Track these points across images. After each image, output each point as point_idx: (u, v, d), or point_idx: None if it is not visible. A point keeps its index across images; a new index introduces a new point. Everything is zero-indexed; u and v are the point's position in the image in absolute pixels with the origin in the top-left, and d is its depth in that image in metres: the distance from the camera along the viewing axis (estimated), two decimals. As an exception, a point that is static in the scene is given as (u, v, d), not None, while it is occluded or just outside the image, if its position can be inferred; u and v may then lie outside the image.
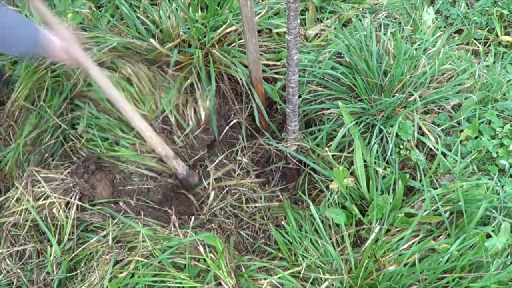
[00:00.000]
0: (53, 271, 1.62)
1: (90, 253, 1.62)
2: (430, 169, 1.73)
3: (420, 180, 1.71)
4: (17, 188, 1.72)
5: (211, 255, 1.54)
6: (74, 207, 1.70)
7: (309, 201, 1.72)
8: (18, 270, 1.65)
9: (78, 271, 1.62)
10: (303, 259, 1.57)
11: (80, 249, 1.64)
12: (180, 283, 1.44)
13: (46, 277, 1.64)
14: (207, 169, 2.08)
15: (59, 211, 1.67)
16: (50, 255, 1.63)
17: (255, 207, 1.98)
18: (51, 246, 1.64)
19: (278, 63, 2.15)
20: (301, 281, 1.53)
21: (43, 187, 1.71)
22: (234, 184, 2.04)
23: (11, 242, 1.69)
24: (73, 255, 1.64)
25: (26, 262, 1.67)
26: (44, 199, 1.69)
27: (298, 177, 2.07)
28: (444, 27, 2.71)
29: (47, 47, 1.42)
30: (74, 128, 1.96)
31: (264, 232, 1.95)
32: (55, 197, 1.69)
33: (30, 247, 1.67)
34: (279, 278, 1.51)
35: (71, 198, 1.72)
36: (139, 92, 1.95)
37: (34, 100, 1.96)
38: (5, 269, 1.66)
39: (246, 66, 1.97)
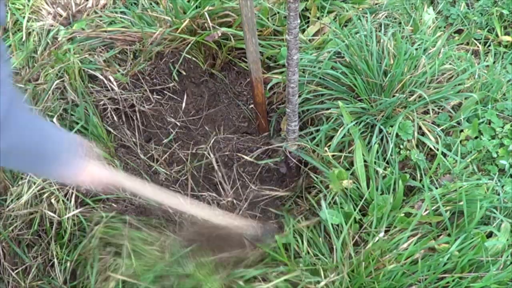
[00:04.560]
0: (55, 275, 1.62)
1: (91, 254, 1.62)
2: (430, 169, 1.73)
3: (420, 180, 1.71)
4: (17, 186, 1.72)
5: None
6: (73, 200, 1.69)
7: (309, 201, 1.71)
8: (16, 277, 1.64)
9: (78, 271, 1.62)
10: (303, 259, 1.57)
11: (80, 250, 1.64)
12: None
13: (48, 279, 1.64)
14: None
15: (58, 200, 1.66)
16: (51, 257, 1.63)
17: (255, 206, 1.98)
18: (51, 248, 1.64)
19: (279, 63, 2.15)
20: (301, 280, 1.52)
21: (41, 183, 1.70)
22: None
23: (10, 243, 1.68)
24: (74, 257, 1.63)
25: (26, 263, 1.67)
26: (43, 193, 1.68)
27: (298, 177, 2.07)
28: (444, 27, 2.71)
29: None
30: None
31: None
32: (54, 189, 1.67)
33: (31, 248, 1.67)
34: (278, 277, 1.51)
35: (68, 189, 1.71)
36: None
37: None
38: (4, 270, 1.66)
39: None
